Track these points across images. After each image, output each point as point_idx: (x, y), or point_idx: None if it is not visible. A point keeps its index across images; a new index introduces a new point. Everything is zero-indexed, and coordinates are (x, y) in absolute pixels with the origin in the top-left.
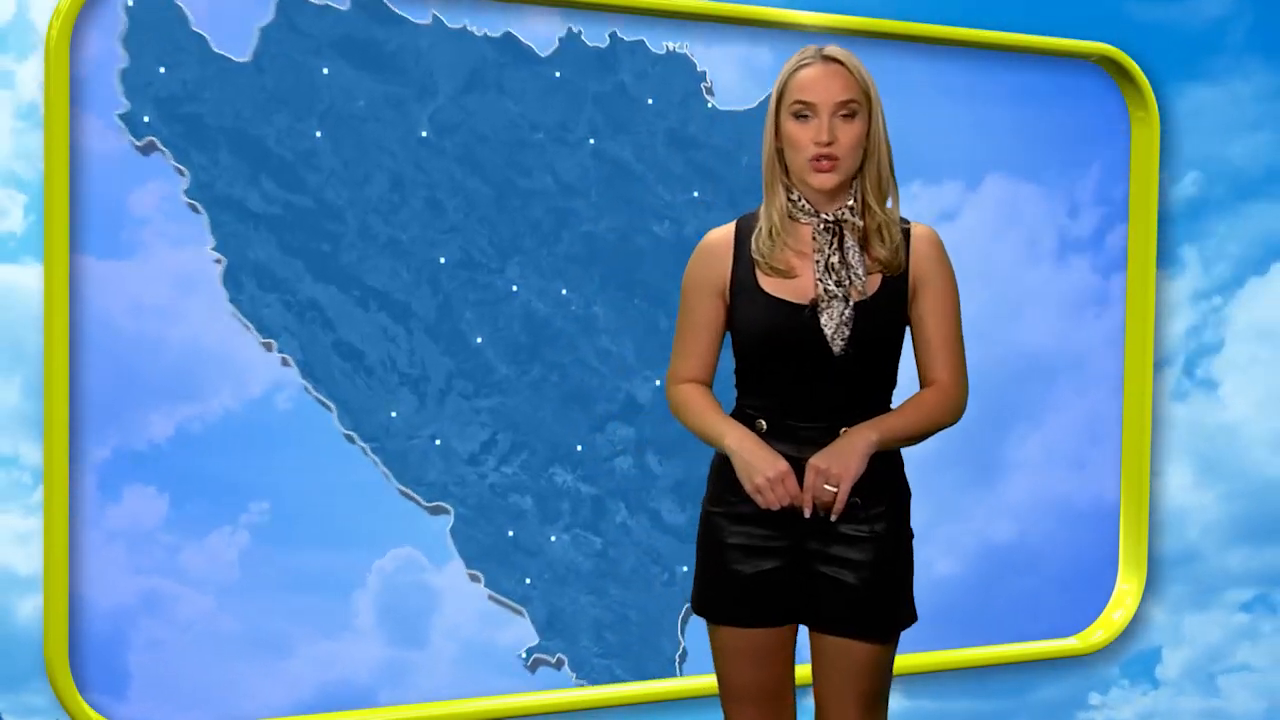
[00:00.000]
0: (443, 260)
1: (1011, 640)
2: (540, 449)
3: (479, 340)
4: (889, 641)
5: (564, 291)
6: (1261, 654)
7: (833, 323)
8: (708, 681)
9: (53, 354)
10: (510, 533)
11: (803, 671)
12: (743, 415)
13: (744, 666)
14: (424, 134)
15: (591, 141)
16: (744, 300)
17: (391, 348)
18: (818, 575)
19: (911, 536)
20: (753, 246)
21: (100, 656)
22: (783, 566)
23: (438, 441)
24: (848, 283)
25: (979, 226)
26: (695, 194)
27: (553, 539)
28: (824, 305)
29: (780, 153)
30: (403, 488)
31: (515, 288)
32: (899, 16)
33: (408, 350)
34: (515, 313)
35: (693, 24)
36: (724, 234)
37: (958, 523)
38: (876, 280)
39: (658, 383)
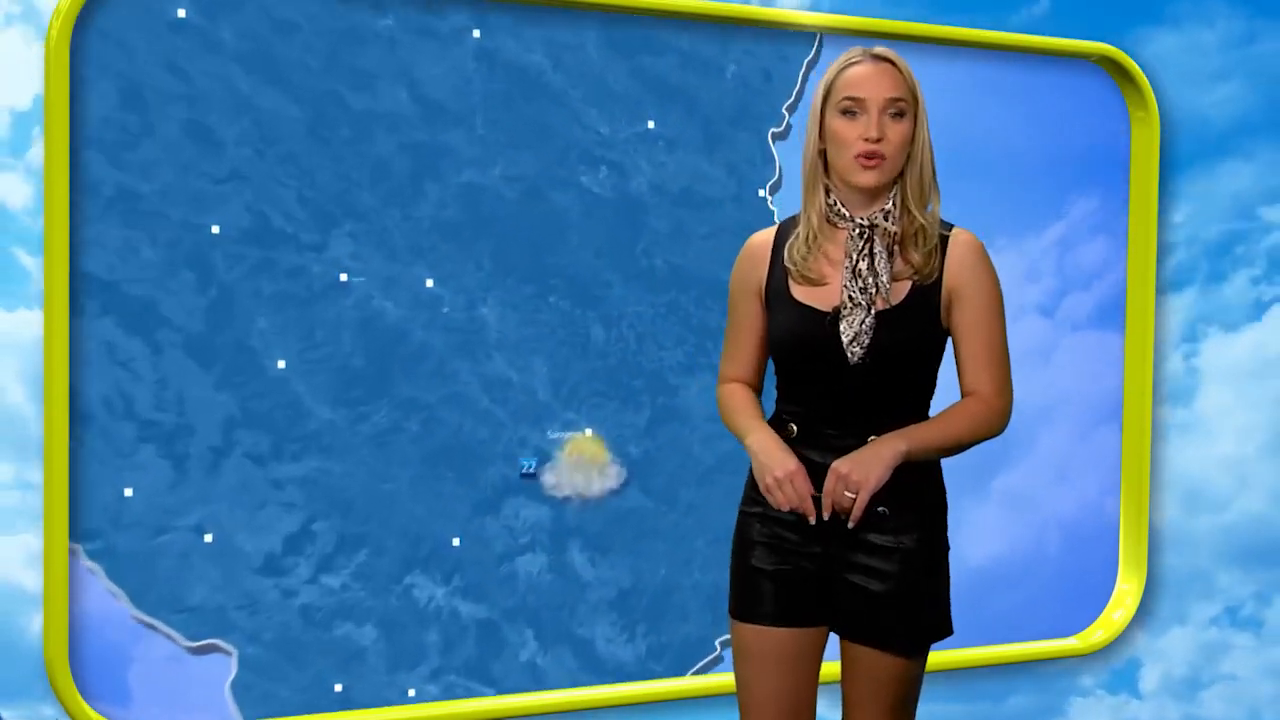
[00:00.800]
0: (216, 230)
1: (1011, 641)
2: (390, 545)
3: (280, 365)
4: (914, 654)
5: (430, 283)
6: (1258, 656)
7: (851, 331)
8: (706, 682)
9: (53, 358)
10: (338, 687)
11: (830, 669)
12: (779, 419)
13: (766, 670)
14: (180, 13)
15: (476, 34)
16: (776, 305)
17: (123, 377)
18: (844, 582)
19: (946, 549)
20: (786, 255)
21: (103, 664)
22: (810, 570)
23: (208, 537)
24: (873, 290)
25: (979, 226)
26: (650, 124)
27: (412, 694)
28: (845, 313)
29: (823, 154)
30: (143, 615)
31: (344, 276)
32: (899, 17)
33: (153, 382)
34: (346, 318)
35: None
36: (765, 237)
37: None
38: (905, 287)
39: (588, 432)
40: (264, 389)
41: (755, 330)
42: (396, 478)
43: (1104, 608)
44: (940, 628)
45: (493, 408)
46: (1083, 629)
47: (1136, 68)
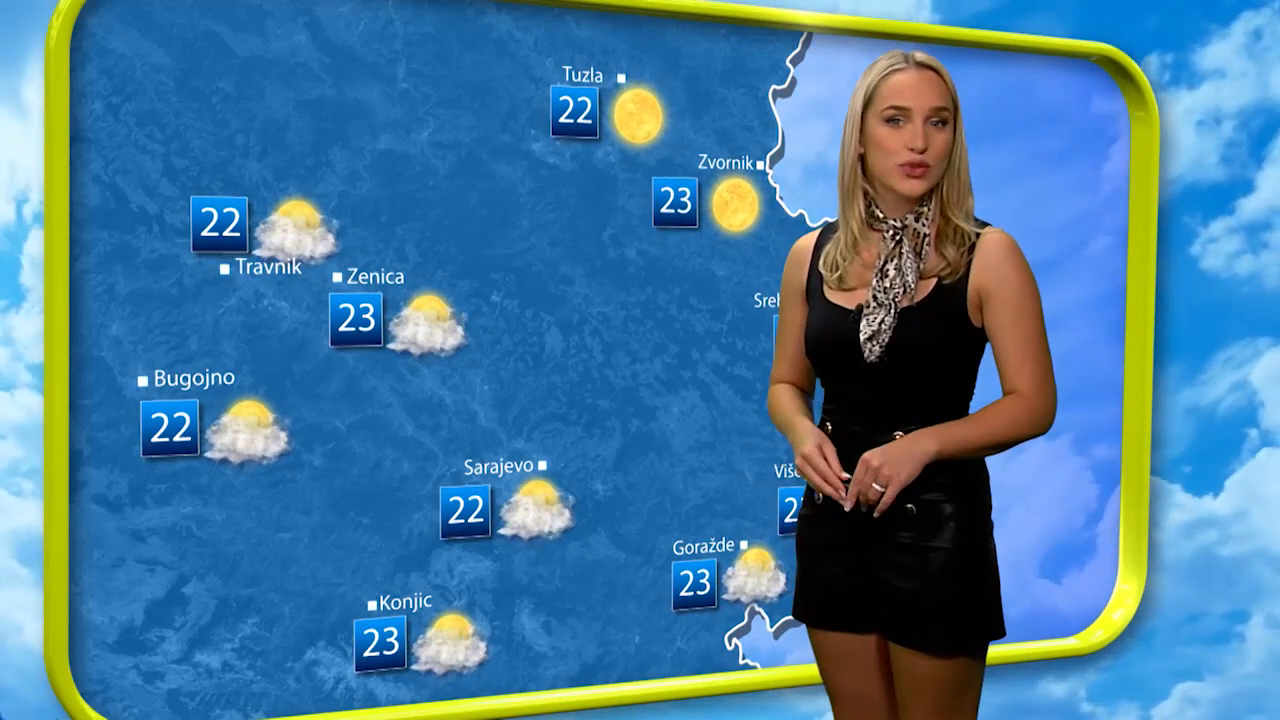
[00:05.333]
0: None
1: (1011, 641)
2: (286, 613)
3: (140, 383)
4: (949, 654)
5: (338, 278)
6: (1258, 656)
7: (869, 329)
8: (708, 682)
9: (53, 360)
10: None
11: None
12: (822, 418)
13: (832, 670)
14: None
15: None
16: (811, 305)
17: None
18: (880, 583)
19: (989, 550)
20: (822, 260)
21: (102, 660)
22: (847, 571)
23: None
24: (898, 290)
25: None
26: (621, 78)
27: None
28: (868, 311)
29: (861, 158)
30: None
31: (225, 269)
32: (899, 16)
33: None
34: (228, 323)
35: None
36: (810, 239)
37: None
38: (929, 285)
39: (543, 465)
40: (119, 414)
41: (800, 333)
42: (294, 526)
43: (1104, 608)
44: (979, 629)
45: (420, 436)
46: (1083, 629)
47: (1136, 68)
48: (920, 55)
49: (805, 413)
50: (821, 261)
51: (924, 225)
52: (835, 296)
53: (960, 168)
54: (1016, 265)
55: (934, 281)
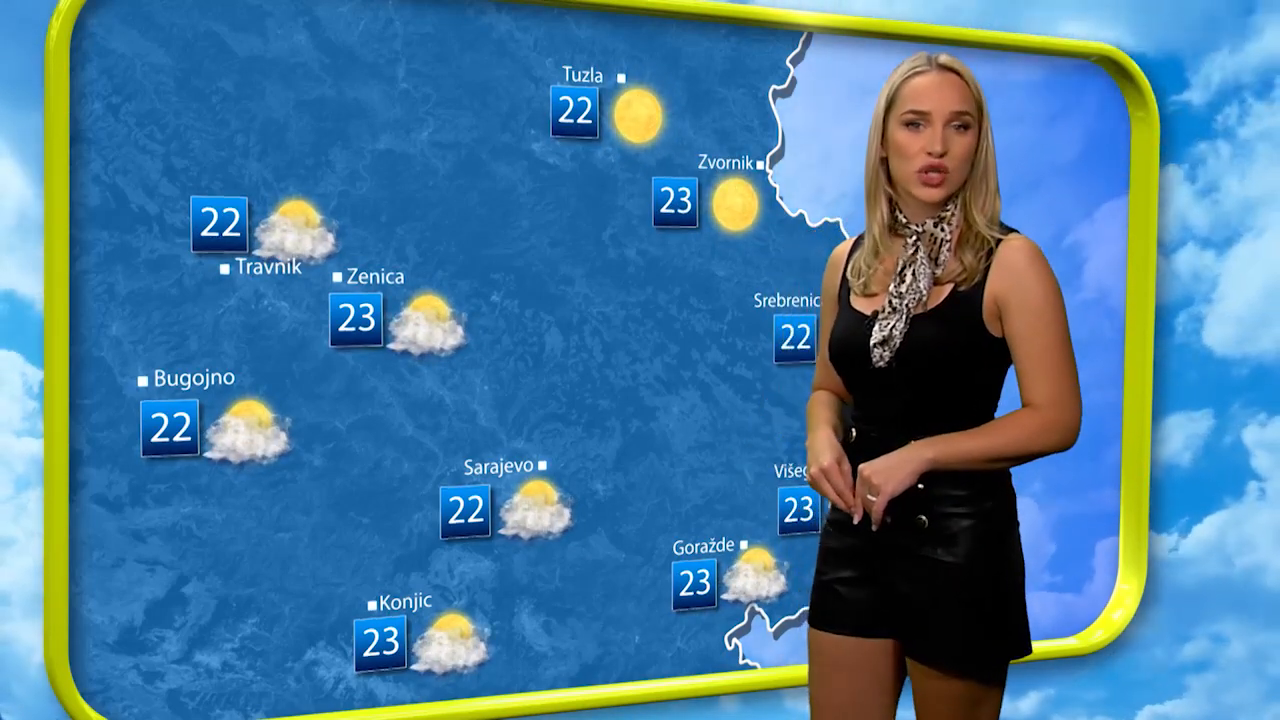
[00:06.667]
0: None
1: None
2: (286, 613)
3: (140, 383)
4: (962, 671)
5: (338, 278)
6: (1257, 655)
7: (881, 334)
8: (707, 682)
9: (53, 363)
10: None
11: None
12: (848, 423)
13: (823, 674)
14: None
15: None
16: (839, 311)
17: None
18: (890, 592)
19: (1010, 566)
20: (849, 268)
21: (102, 660)
22: (861, 578)
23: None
24: (913, 296)
25: None
26: (621, 78)
27: None
28: (882, 317)
29: (885, 162)
30: None
31: (225, 269)
32: (898, 16)
33: None
34: (228, 323)
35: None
36: (845, 246)
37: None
38: (944, 291)
39: (543, 465)
40: (119, 414)
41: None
42: (294, 526)
43: (1104, 608)
44: (993, 646)
45: (420, 436)
46: (1083, 629)
47: (1136, 68)
48: (944, 58)
49: (831, 422)
50: (849, 268)
51: (943, 231)
52: (858, 303)
53: (986, 172)
54: (1036, 273)
55: (950, 288)
